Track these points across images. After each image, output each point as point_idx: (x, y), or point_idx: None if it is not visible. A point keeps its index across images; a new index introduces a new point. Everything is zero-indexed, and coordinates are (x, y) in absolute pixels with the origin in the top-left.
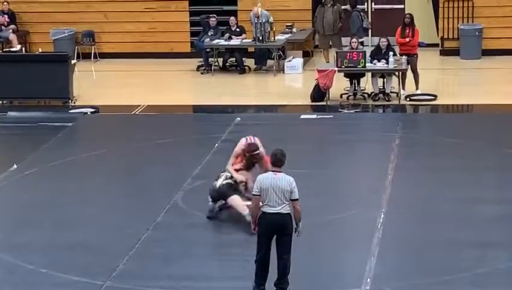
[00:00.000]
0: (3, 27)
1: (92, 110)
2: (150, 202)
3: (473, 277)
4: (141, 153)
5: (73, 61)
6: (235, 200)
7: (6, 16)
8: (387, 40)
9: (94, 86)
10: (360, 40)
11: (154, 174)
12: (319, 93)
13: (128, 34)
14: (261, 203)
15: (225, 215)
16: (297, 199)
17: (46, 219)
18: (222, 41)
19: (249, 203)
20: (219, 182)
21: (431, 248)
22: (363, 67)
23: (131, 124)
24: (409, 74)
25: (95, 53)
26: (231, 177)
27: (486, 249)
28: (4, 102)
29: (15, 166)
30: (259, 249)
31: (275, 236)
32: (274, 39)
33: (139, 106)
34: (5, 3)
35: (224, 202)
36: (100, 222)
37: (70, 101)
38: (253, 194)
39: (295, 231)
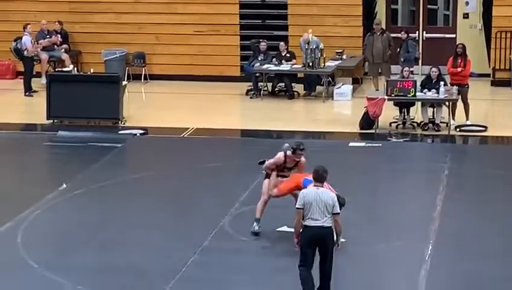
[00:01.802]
0: (55, 46)
1: (142, 131)
2: (197, 226)
3: None
4: (189, 176)
5: (124, 82)
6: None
7: (59, 35)
8: (438, 70)
9: (144, 107)
10: (411, 69)
11: (201, 198)
12: (368, 121)
13: (178, 56)
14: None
15: (272, 241)
16: (338, 213)
17: (94, 239)
18: (272, 66)
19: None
20: None
21: (479, 283)
22: (413, 96)
23: (179, 147)
24: (459, 104)
25: (145, 74)
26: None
27: None
28: (55, 121)
29: (64, 185)
30: (303, 263)
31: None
32: (324, 65)
33: (188, 128)
34: (57, 23)
35: None
36: (147, 244)
37: (120, 122)
38: (297, 208)
39: (335, 244)
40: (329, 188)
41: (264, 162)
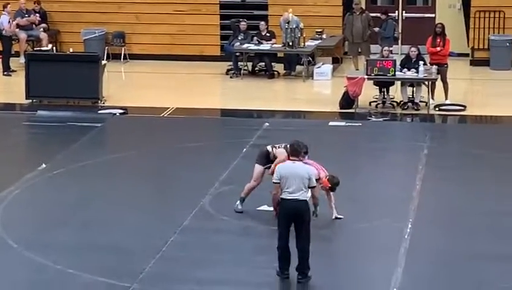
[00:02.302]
0: (34, 26)
1: (121, 111)
2: (177, 206)
3: None
4: (169, 156)
5: (103, 62)
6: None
7: (37, 14)
8: (418, 49)
9: (123, 87)
10: (390, 48)
11: (181, 178)
12: (347, 100)
13: (158, 36)
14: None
15: (252, 221)
16: (315, 186)
17: (74, 219)
18: (252, 46)
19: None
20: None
21: (457, 260)
22: (392, 75)
23: (159, 127)
24: (439, 84)
25: (125, 54)
26: (273, 147)
27: None
28: (34, 101)
29: (44, 165)
30: (279, 236)
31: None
32: (304, 45)
33: (168, 108)
34: (36, 2)
35: None
36: (127, 224)
37: (99, 102)
38: (274, 182)
39: (313, 214)
40: (322, 168)
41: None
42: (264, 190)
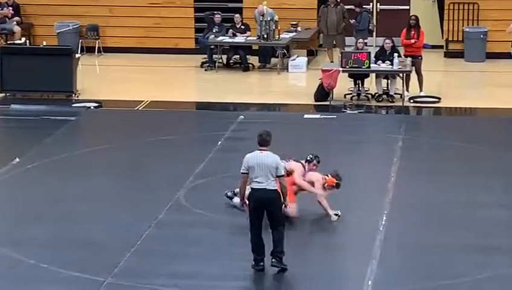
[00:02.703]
0: (7, 19)
1: (95, 104)
2: (152, 199)
3: (474, 282)
4: (144, 149)
5: (77, 55)
6: None
7: (10, 8)
8: (392, 41)
9: (98, 80)
10: (365, 40)
11: (156, 171)
12: (322, 93)
13: (132, 28)
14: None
15: (227, 214)
16: (282, 175)
17: (48, 214)
18: (226, 39)
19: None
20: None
21: (433, 252)
22: (367, 68)
23: (134, 120)
24: (413, 76)
25: (99, 47)
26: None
27: (488, 254)
28: (7, 95)
29: (17, 159)
30: (251, 226)
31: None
32: (278, 37)
33: (143, 101)
34: None
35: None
36: (102, 218)
37: (73, 95)
38: (241, 172)
39: (283, 204)
40: (324, 177)
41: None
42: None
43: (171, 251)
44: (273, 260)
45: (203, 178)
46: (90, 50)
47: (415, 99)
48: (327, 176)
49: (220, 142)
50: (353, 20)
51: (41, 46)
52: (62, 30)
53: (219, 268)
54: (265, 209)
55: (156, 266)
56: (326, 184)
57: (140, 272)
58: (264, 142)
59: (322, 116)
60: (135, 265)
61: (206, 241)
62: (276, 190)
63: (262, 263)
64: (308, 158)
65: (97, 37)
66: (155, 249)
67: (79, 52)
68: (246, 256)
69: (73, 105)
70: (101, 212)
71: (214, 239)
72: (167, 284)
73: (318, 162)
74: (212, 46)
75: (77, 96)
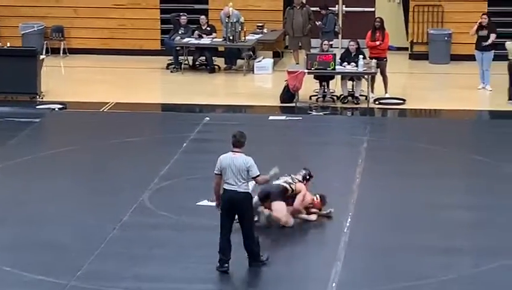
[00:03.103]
0: None
1: (60, 106)
2: (116, 201)
3: (438, 284)
4: (108, 152)
5: (41, 56)
6: (282, 205)
7: None
8: (357, 43)
9: (62, 81)
10: (330, 42)
11: (121, 173)
12: (288, 94)
13: (97, 30)
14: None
15: (192, 216)
16: (258, 176)
17: (11, 216)
18: (192, 40)
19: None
20: (277, 181)
21: (397, 253)
22: (332, 69)
23: (99, 122)
24: (378, 78)
25: (64, 48)
26: (290, 184)
27: (452, 256)
28: None
29: None
30: (221, 227)
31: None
32: (244, 39)
33: (108, 103)
34: None
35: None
36: (65, 220)
37: (38, 97)
38: (215, 173)
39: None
40: (313, 198)
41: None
42: (204, 185)
43: (135, 253)
44: (250, 259)
45: (168, 180)
46: (55, 51)
47: (380, 101)
48: (316, 197)
49: (185, 144)
50: (319, 22)
51: (5, 47)
52: (27, 31)
53: (183, 271)
54: (236, 212)
55: (119, 268)
56: (311, 205)
57: (104, 275)
58: (237, 143)
59: (287, 118)
60: (99, 268)
61: (171, 243)
62: (248, 192)
63: (226, 265)
64: (307, 177)
65: (62, 38)
66: (119, 252)
67: (44, 53)
68: (211, 258)
69: (38, 107)
70: (65, 215)
71: (178, 241)
72: (131, 287)
73: (310, 176)
74: (178, 48)
75: (41, 98)
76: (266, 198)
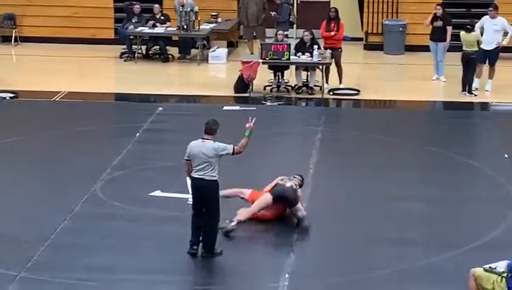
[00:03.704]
0: None
1: (11, 95)
2: (68, 192)
3: (391, 274)
4: (60, 141)
5: None
6: (299, 205)
7: None
8: (312, 33)
9: (14, 70)
10: (285, 32)
11: (73, 163)
12: (242, 84)
13: (50, 18)
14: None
15: (145, 206)
16: (233, 149)
17: None
18: (146, 29)
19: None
20: (288, 184)
21: (350, 244)
22: (287, 59)
23: (51, 111)
24: (333, 68)
25: (15, 36)
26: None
27: (404, 247)
28: None
29: None
30: (192, 211)
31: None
32: (198, 28)
33: (60, 92)
34: None
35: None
36: (15, 211)
37: None
38: (184, 159)
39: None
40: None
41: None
42: (157, 175)
43: (87, 244)
44: (202, 250)
45: (121, 170)
46: (6, 39)
47: (335, 92)
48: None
49: (138, 134)
50: (274, 13)
51: None
52: None
53: (135, 261)
54: (202, 198)
55: (71, 259)
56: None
57: (54, 266)
58: (209, 130)
59: (241, 108)
60: (49, 259)
61: (123, 234)
62: (214, 180)
63: (195, 247)
64: (301, 183)
65: (14, 26)
66: (70, 243)
67: None
68: (163, 249)
69: None
70: (14, 206)
71: (130, 232)
72: (83, 277)
73: (301, 185)
74: (131, 37)
75: None
76: (280, 200)
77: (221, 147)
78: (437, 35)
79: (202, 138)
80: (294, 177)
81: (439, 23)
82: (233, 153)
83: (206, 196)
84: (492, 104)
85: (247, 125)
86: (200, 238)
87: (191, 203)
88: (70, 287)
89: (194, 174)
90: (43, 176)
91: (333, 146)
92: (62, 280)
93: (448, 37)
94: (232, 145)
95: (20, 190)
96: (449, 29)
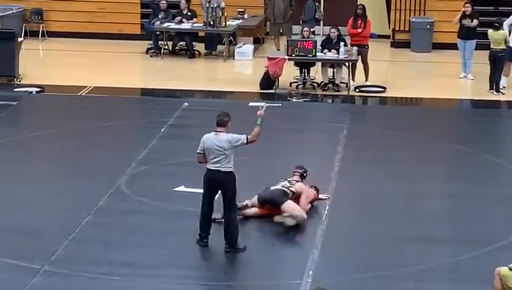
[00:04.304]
0: None
1: (38, 89)
2: (92, 186)
3: (415, 273)
4: (86, 136)
5: (20, 39)
6: (290, 203)
7: None
8: (338, 30)
9: (41, 65)
10: (311, 29)
11: (98, 158)
12: (268, 81)
13: (77, 13)
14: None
15: (169, 201)
16: (247, 138)
17: None
18: (172, 25)
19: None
20: (278, 186)
21: (374, 242)
22: (313, 56)
23: (77, 105)
24: (359, 65)
25: (43, 31)
26: (288, 187)
27: (429, 245)
28: None
29: None
30: (202, 204)
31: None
32: (225, 24)
33: (86, 87)
34: None
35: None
36: (40, 204)
37: (15, 80)
38: (197, 152)
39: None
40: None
41: None
42: (181, 170)
43: (110, 238)
44: (226, 246)
45: (146, 165)
46: (34, 34)
47: (361, 89)
48: (314, 189)
49: (163, 129)
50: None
51: None
52: (5, 13)
53: (158, 257)
54: (219, 190)
55: (94, 254)
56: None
57: (78, 260)
58: (221, 122)
59: (267, 105)
60: (73, 253)
61: (146, 229)
62: (231, 171)
63: (206, 240)
64: (304, 175)
65: (41, 21)
66: (94, 237)
67: (22, 36)
68: (186, 245)
69: (15, 90)
70: (40, 199)
71: (154, 227)
72: (105, 272)
73: (304, 175)
74: (157, 33)
75: (19, 81)
76: (266, 203)
77: (235, 138)
78: (465, 33)
79: (215, 131)
80: (294, 172)
81: (468, 21)
82: (247, 143)
83: (224, 187)
84: None
85: (258, 113)
86: (210, 231)
87: (203, 195)
88: (93, 281)
89: (210, 166)
90: (68, 170)
91: (358, 143)
92: (85, 274)
93: (473, 23)
94: (245, 135)
95: (45, 183)
96: (475, 21)
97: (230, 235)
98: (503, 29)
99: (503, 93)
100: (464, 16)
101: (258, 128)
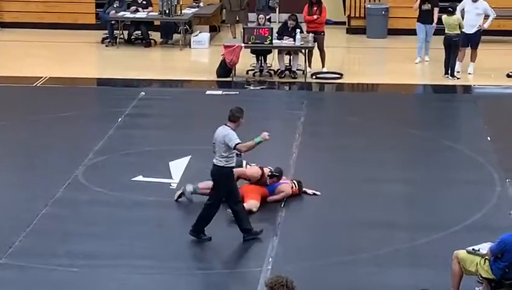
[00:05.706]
0: None
1: None
2: (49, 177)
3: (374, 258)
4: (42, 127)
5: None
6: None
7: None
8: (296, 20)
9: None
10: (267, 16)
11: (55, 149)
12: (225, 69)
13: (31, 3)
14: None
15: (127, 192)
16: (235, 145)
17: None
18: (128, 14)
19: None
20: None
21: (333, 227)
22: (269, 43)
23: (32, 97)
24: (316, 52)
25: None
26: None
27: (387, 230)
28: None
29: None
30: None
31: None
32: (181, 13)
33: (41, 77)
34: None
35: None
36: None
37: None
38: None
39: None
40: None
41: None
42: (139, 160)
43: (69, 229)
44: (244, 235)
45: (103, 155)
46: None
47: (317, 76)
48: (294, 185)
49: (120, 119)
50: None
51: None
52: None
53: (118, 247)
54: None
55: (52, 245)
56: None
57: (36, 252)
58: (231, 117)
59: (224, 93)
60: (31, 245)
61: (105, 219)
62: (222, 166)
63: (201, 234)
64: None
65: None
66: (52, 229)
67: None
68: (145, 234)
69: None
70: None
71: (113, 218)
72: (64, 264)
73: (279, 177)
74: (113, 22)
75: None
76: None
77: (229, 137)
78: (425, 17)
79: (225, 124)
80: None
81: (427, 6)
82: (234, 148)
83: (213, 179)
84: (475, 87)
85: (263, 134)
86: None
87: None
88: (51, 273)
89: (213, 160)
90: (24, 161)
91: (316, 130)
92: (43, 266)
93: (436, 19)
94: (238, 141)
95: (0, 176)
96: (436, 10)
97: (241, 223)
98: (456, 14)
99: (458, 78)
100: (423, 1)
101: (252, 144)
